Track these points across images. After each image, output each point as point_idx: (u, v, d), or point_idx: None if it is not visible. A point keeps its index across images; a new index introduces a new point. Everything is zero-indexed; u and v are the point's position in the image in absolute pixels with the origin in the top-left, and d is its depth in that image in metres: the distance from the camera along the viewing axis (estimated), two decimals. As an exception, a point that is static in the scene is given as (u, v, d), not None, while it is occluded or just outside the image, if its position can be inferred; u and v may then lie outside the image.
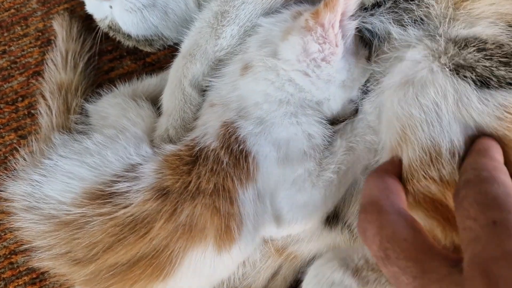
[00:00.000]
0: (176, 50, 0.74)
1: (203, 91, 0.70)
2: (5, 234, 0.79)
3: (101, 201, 0.57)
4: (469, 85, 0.52)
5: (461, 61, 0.54)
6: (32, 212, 0.61)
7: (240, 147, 0.59)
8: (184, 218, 0.56)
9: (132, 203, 0.56)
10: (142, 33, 0.80)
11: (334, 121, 0.66)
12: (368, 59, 0.64)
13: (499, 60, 0.53)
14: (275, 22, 0.64)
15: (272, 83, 0.61)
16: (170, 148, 0.61)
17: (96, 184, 0.58)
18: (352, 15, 0.59)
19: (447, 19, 0.59)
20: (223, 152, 0.59)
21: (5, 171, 0.70)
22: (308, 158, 0.61)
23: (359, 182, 0.66)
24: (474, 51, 0.54)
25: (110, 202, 0.56)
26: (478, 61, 0.53)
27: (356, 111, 0.66)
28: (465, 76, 0.52)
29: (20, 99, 0.86)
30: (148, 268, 0.56)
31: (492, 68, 0.53)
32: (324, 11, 0.56)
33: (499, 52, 0.54)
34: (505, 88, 0.52)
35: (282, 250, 0.72)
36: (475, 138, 0.49)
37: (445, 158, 0.50)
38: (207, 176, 0.57)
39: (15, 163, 0.70)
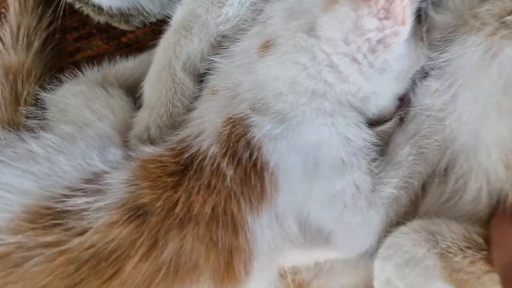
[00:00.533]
0: (160, 28, 0.66)
1: (200, 77, 0.60)
2: None
3: (48, 224, 0.45)
4: None
5: None
6: None
7: (253, 156, 0.48)
8: (169, 254, 0.45)
9: (91, 227, 0.45)
10: (116, 5, 0.72)
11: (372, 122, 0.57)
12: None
13: None
14: None
15: (304, 68, 0.51)
16: (149, 151, 0.51)
17: (42, 199, 0.47)
18: None
19: None
20: (226, 161, 0.47)
21: None
22: (350, 168, 0.52)
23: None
24: None
25: (61, 225, 0.45)
26: None
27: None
28: None
29: None
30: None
31: None
32: None
33: None
34: None
35: (304, 284, 0.64)
36: None
37: None
38: (202, 194, 0.46)
39: None
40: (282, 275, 0.60)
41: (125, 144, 0.55)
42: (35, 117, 0.64)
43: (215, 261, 0.45)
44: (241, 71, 0.54)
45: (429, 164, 0.57)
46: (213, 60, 0.57)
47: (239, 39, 0.57)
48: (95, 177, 0.48)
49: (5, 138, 0.58)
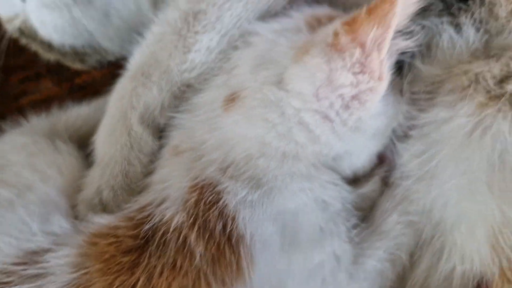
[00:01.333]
0: (120, 69, 0.61)
1: (161, 132, 0.55)
2: None
3: None
4: None
5: None
6: None
7: (227, 228, 0.42)
8: None
9: None
10: (69, 42, 0.69)
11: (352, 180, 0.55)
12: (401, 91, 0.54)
13: None
14: (281, 30, 0.51)
15: (273, 126, 0.48)
16: (101, 221, 0.45)
17: None
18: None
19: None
20: (195, 234, 0.42)
21: None
22: (329, 236, 0.48)
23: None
24: None
25: None
26: None
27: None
28: None
29: None
30: None
31: None
32: (368, 22, 0.42)
33: None
34: None
35: None
36: None
37: None
38: (166, 277, 0.40)
39: None
40: None
41: (74, 211, 0.49)
42: None
43: None
44: (205, 128, 0.49)
45: (419, 234, 0.53)
46: (174, 115, 0.52)
47: (203, 89, 0.53)
48: (33, 256, 0.42)
49: None
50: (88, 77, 0.79)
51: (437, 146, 0.51)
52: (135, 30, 0.65)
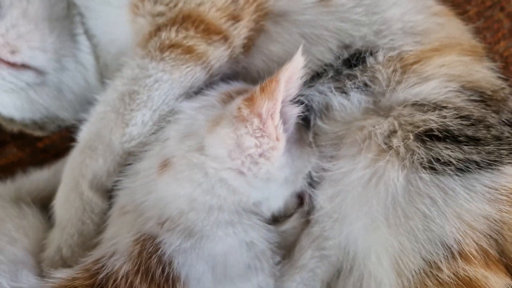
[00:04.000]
0: (75, 130, 0.66)
1: (109, 193, 0.61)
2: None
3: None
4: (450, 175, 0.54)
5: (429, 156, 0.56)
6: None
7: (165, 271, 0.49)
8: None
9: None
10: (29, 116, 0.73)
11: (276, 219, 0.61)
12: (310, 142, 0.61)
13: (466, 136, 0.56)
14: (199, 107, 0.58)
15: (198, 185, 0.54)
16: (60, 275, 0.50)
17: None
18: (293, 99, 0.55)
19: (393, 83, 0.62)
20: (139, 278, 0.48)
21: None
22: (255, 272, 0.54)
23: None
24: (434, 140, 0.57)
25: None
26: (443, 149, 0.56)
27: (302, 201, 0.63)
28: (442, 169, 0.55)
29: None
30: None
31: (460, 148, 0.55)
32: (261, 98, 0.49)
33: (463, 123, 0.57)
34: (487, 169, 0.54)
35: None
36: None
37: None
38: None
39: None
40: None
41: (39, 267, 0.53)
42: None
43: None
44: (144, 190, 0.55)
45: (332, 265, 0.59)
46: (118, 179, 0.58)
47: (141, 157, 0.59)
48: None
49: None
50: (49, 140, 0.82)
51: (344, 192, 0.58)
52: (86, 100, 0.71)
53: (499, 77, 0.68)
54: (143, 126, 0.61)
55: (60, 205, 0.61)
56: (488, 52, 0.84)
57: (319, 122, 0.62)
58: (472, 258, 0.52)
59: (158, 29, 0.64)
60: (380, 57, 0.63)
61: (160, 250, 0.49)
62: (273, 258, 0.57)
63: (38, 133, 0.80)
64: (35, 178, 0.70)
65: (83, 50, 0.73)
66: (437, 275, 0.52)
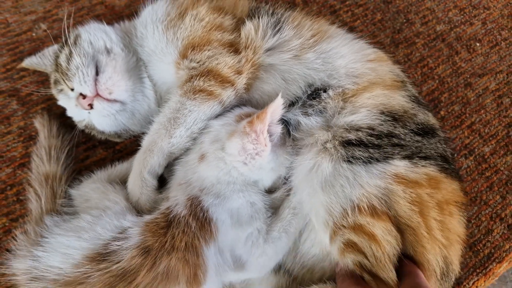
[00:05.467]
0: (140, 138, 0.85)
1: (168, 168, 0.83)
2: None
3: (99, 260, 0.69)
4: (359, 165, 0.72)
5: (351, 153, 0.74)
6: (38, 281, 0.71)
7: (204, 215, 0.73)
8: (162, 268, 0.68)
9: (123, 259, 0.68)
10: (113, 130, 0.93)
11: (270, 190, 0.83)
12: (291, 146, 0.80)
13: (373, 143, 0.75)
14: (222, 124, 0.78)
15: (221, 169, 0.76)
16: (149, 217, 0.74)
17: (93, 250, 0.70)
18: (279, 121, 0.76)
19: (338, 109, 0.80)
20: (191, 218, 0.72)
21: (3, 250, 0.80)
22: (255, 220, 0.76)
23: (296, 240, 0.82)
24: (357, 139, 0.75)
25: (107, 259, 0.69)
26: (359, 147, 0.75)
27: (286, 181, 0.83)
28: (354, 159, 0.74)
29: (8, 187, 0.96)
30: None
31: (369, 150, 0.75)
32: (257, 121, 0.71)
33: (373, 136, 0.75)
34: (382, 162, 0.73)
35: None
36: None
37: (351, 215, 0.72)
38: (180, 236, 0.71)
39: (10, 242, 0.78)
40: (226, 285, 0.82)
41: (136, 213, 0.77)
42: (68, 205, 0.84)
43: (187, 272, 0.68)
44: (191, 171, 0.77)
45: (301, 219, 0.80)
46: (174, 167, 0.81)
47: (188, 153, 0.80)
48: (123, 231, 0.70)
49: (51, 221, 0.78)
50: (123, 144, 1.01)
51: (298, 174, 0.78)
52: (147, 119, 0.91)
53: (412, 100, 0.84)
54: (180, 138, 0.80)
55: (131, 183, 0.82)
56: (411, 79, 1.08)
57: (293, 133, 0.82)
58: (363, 211, 0.71)
59: (191, 78, 0.83)
60: (331, 92, 0.82)
61: (201, 204, 0.73)
62: (266, 213, 0.78)
63: (116, 140, 0.98)
64: (119, 168, 0.91)
65: (147, 87, 0.93)
66: (347, 218, 0.71)
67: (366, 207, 0.71)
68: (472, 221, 1.06)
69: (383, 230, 0.70)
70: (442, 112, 1.19)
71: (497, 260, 1.02)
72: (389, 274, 0.71)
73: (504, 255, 1.02)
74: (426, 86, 1.22)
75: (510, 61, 1.29)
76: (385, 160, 0.74)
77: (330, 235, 0.75)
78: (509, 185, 1.11)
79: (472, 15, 1.36)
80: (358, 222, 0.72)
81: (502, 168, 1.13)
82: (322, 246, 0.81)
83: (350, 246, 0.73)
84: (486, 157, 1.14)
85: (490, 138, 1.17)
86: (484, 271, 1.01)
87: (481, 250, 1.03)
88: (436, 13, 1.35)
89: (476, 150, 1.15)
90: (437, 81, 1.22)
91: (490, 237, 1.05)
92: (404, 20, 1.31)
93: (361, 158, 0.74)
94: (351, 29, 1.26)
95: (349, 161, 0.74)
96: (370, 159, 0.74)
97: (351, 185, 0.72)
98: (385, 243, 0.71)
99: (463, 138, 1.16)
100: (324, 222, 0.75)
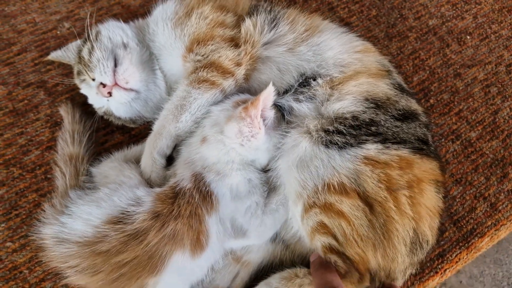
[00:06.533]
0: (152, 124, 0.93)
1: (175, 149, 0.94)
2: (35, 268, 0.97)
3: (115, 222, 0.78)
4: (334, 149, 0.80)
5: (330, 138, 0.81)
6: (64, 243, 0.81)
7: (206, 189, 0.82)
8: (169, 231, 0.77)
9: (136, 221, 0.78)
10: (128, 116, 1.02)
11: (266, 169, 0.92)
12: (285, 128, 0.88)
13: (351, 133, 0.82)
14: (221, 110, 0.86)
15: (221, 150, 0.84)
16: (159, 189, 0.84)
17: (110, 215, 0.80)
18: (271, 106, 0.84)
19: (326, 96, 0.87)
20: (195, 191, 0.82)
21: (34, 220, 0.89)
22: (253, 194, 0.86)
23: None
24: (340, 125, 0.83)
25: (122, 221, 0.78)
26: (338, 133, 0.82)
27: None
28: (331, 143, 0.82)
29: (37, 167, 1.06)
30: (146, 265, 0.76)
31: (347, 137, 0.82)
32: (251, 107, 0.78)
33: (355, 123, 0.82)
34: (355, 147, 0.80)
35: (239, 258, 0.93)
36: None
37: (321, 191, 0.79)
38: (185, 206, 0.80)
39: (40, 214, 0.88)
40: (225, 254, 0.89)
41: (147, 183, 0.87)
42: (89, 182, 0.93)
43: (191, 236, 0.78)
44: (194, 151, 0.85)
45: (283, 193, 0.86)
46: (181, 148, 0.90)
47: (192, 136, 0.88)
48: (138, 198, 0.79)
49: (75, 195, 0.88)
50: (138, 130, 1.09)
51: (283, 152, 0.85)
52: (159, 107, 0.96)
53: (395, 88, 0.89)
54: (186, 122, 0.88)
55: (143, 162, 0.91)
56: (398, 68, 1.15)
57: (287, 117, 0.88)
58: (332, 189, 0.77)
59: (196, 69, 0.90)
60: (320, 80, 0.89)
61: (204, 179, 0.83)
62: (262, 188, 0.87)
63: (132, 125, 1.06)
64: (133, 150, 1.00)
65: (159, 78, 1.00)
66: (318, 196, 0.77)
67: (336, 185, 0.77)
68: (457, 200, 1.13)
69: (350, 207, 0.77)
70: (431, 100, 1.26)
71: (479, 235, 1.09)
72: (356, 249, 0.78)
73: (486, 231, 1.09)
74: (417, 77, 1.28)
75: (499, 53, 1.35)
76: (358, 145, 0.81)
77: (301, 213, 0.81)
78: (493, 167, 1.18)
79: (464, 9, 1.42)
80: (328, 200, 0.78)
81: (487, 152, 1.19)
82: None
83: (321, 227, 0.79)
84: (472, 141, 1.20)
85: (477, 124, 1.23)
86: (466, 244, 1.08)
87: (464, 226, 1.10)
88: (429, 9, 1.41)
89: (463, 135, 1.21)
90: (427, 72, 1.29)
91: (473, 214, 1.12)
92: (398, 16, 1.38)
93: (337, 143, 0.80)
94: (347, 25, 1.34)
95: (326, 145, 0.81)
96: (345, 145, 0.80)
97: (325, 167, 0.79)
98: (353, 217, 0.77)
99: (451, 124, 1.22)
100: (297, 194, 0.81)
